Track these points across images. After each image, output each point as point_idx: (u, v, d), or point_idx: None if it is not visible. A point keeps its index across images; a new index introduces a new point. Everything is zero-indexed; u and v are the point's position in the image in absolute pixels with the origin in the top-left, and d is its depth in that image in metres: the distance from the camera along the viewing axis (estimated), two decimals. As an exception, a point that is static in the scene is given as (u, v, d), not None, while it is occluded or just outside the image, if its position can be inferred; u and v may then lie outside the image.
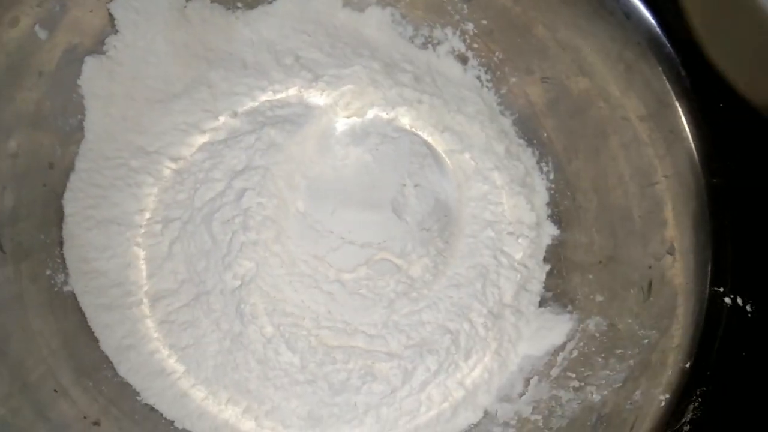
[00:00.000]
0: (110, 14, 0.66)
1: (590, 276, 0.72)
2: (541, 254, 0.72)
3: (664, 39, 0.62)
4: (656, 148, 0.67)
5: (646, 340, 0.64)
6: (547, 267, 0.73)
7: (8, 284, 0.60)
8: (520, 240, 0.71)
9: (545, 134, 0.72)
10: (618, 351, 0.66)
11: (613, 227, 0.70)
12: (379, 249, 0.67)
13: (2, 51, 0.60)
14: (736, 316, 0.60)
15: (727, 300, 0.60)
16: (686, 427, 0.57)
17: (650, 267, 0.67)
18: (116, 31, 0.66)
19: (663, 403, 0.60)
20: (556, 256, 0.73)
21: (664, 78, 0.63)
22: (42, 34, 0.62)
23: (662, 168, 0.66)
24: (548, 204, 0.73)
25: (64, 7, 0.63)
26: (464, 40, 0.71)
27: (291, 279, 0.65)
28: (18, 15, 0.61)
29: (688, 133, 0.64)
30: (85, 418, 0.61)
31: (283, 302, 0.66)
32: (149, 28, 0.66)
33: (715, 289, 0.61)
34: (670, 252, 0.65)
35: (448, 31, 0.71)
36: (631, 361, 0.64)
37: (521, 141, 0.73)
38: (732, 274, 0.61)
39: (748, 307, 0.59)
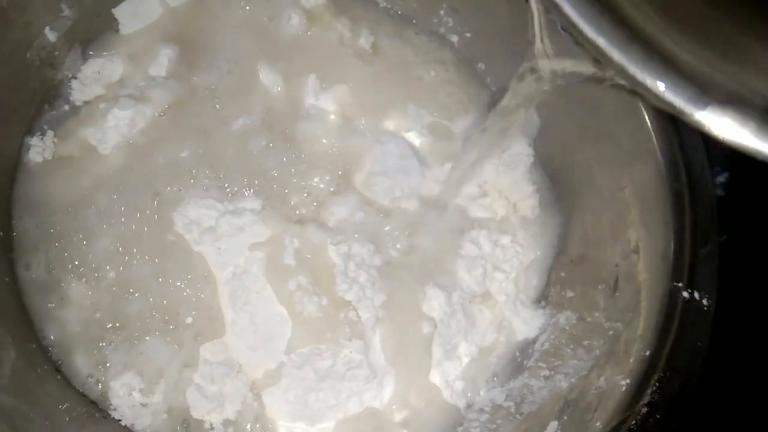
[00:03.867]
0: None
1: (562, 274, 0.77)
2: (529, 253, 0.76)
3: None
4: (624, 156, 0.72)
5: (611, 332, 0.68)
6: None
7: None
8: (508, 238, 0.76)
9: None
10: (585, 342, 0.70)
11: (585, 229, 0.76)
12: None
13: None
14: (693, 309, 0.64)
15: (686, 294, 0.64)
16: (644, 409, 0.61)
17: (617, 265, 0.71)
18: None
19: (624, 388, 0.63)
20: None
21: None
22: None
23: (629, 174, 0.72)
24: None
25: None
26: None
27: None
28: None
29: (655, 144, 0.70)
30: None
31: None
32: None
33: (675, 284, 0.65)
34: (635, 251, 0.70)
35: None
36: (597, 351, 0.68)
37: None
38: (690, 271, 0.65)
39: (704, 301, 0.64)
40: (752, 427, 0.68)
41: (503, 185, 0.76)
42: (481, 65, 0.83)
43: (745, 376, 0.68)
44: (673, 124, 0.69)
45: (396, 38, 0.81)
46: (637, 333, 0.66)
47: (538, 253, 0.75)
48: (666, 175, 0.69)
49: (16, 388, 0.55)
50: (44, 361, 0.62)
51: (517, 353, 0.74)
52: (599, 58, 0.37)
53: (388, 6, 0.82)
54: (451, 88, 0.79)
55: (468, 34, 0.82)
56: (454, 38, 0.82)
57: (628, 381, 0.64)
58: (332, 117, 0.76)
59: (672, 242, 0.67)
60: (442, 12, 0.81)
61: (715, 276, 0.65)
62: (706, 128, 0.36)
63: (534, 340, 0.74)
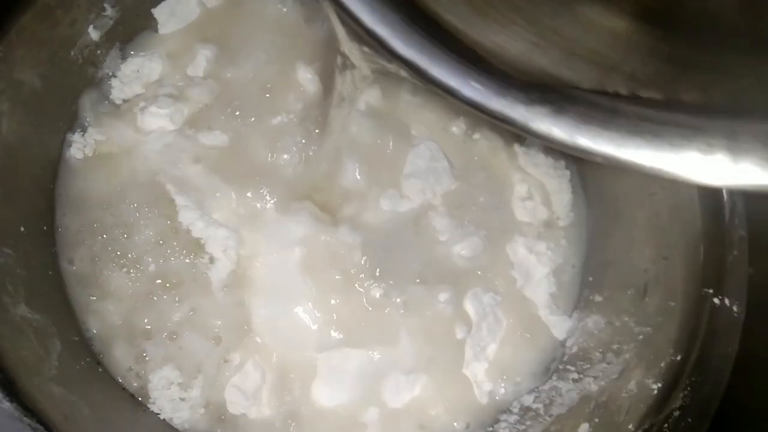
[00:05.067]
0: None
1: (591, 278, 0.78)
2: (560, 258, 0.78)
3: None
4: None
5: (641, 336, 0.69)
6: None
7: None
8: (543, 244, 0.77)
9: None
10: (614, 346, 0.71)
11: (614, 234, 0.77)
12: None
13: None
14: (723, 315, 0.65)
15: (716, 300, 0.65)
16: (676, 413, 0.62)
17: (646, 270, 0.72)
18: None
19: (655, 392, 0.64)
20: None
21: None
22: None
23: (659, 180, 0.73)
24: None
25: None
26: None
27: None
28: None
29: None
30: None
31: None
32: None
33: (705, 290, 0.66)
34: (665, 257, 0.71)
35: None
36: (627, 355, 0.69)
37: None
38: (720, 278, 0.66)
39: (734, 308, 0.65)
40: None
41: (548, 188, 0.77)
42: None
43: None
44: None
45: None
46: (667, 338, 0.67)
47: (569, 258, 0.76)
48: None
49: (64, 378, 0.56)
50: (86, 354, 0.63)
51: (546, 356, 0.75)
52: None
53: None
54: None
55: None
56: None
57: (659, 384, 0.65)
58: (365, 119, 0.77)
59: (702, 248, 0.68)
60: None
61: (745, 282, 0.66)
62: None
63: (563, 344, 0.75)
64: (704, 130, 0.32)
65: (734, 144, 0.32)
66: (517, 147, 0.81)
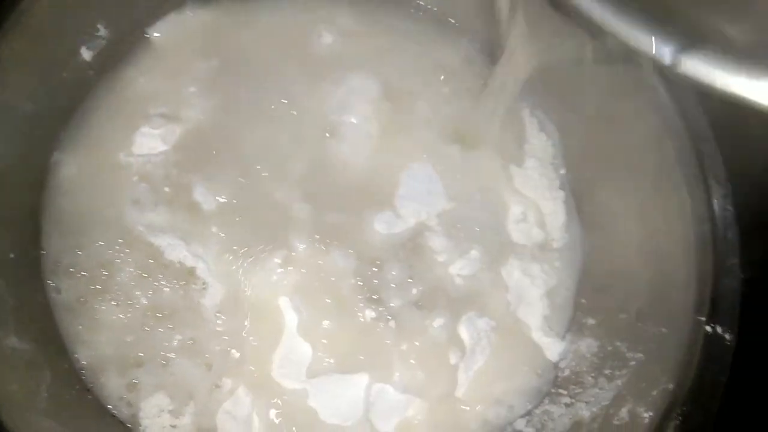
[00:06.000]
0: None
1: (584, 301, 0.78)
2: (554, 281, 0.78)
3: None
4: (648, 188, 0.73)
5: (633, 362, 0.69)
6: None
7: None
8: (537, 267, 0.77)
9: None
10: (607, 371, 0.71)
11: (608, 258, 0.77)
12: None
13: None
14: (715, 343, 0.65)
15: (708, 329, 0.65)
16: (667, 442, 0.62)
17: (639, 295, 0.72)
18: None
19: (647, 420, 0.64)
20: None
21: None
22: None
23: (653, 206, 0.73)
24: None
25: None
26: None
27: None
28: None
29: (679, 176, 0.71)
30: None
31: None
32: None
33: (698, 318, 0.66)
34: (658, 283, 0.71)
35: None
36: (619, 381, 0.69)
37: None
38: (712, 306, 0.66)
39: (726, 336, 0.65)
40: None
41: (543, 209, 0.77)
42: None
43: (766, 411, 0.69)
44: (696, 158, 0.71)
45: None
46: (659, 365, 0.67)
47: (563, 280, 0.76)
48: (690, 209, 0.70)
49: (54, 410, 0.55)
50: (76, 382, 0.63)
51: (539, 379, 0.75)
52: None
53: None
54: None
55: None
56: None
57: (650, 414, 0.65)
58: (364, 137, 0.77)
59: (694, 275, 0.68)
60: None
61: (737, 311, 0.66)
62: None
63: (555, 366, 0.75)
64: None
65: None
66: (513, 168, 0.81)
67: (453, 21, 0.84)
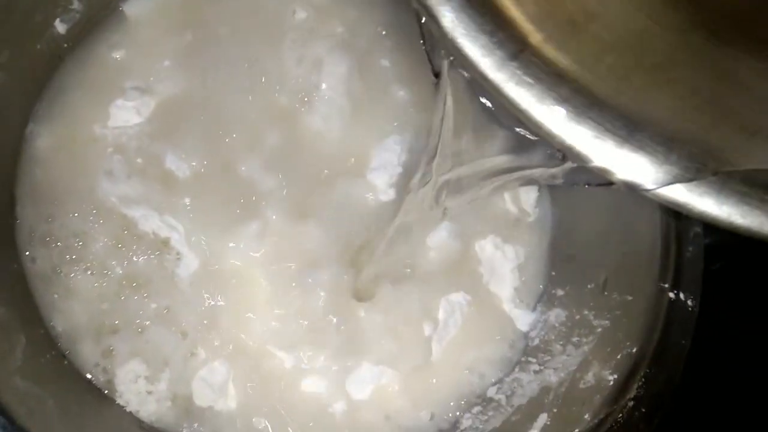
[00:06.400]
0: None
1: (553, 273, 0.80)
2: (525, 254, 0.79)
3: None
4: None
5: (599, 329, 0.71)
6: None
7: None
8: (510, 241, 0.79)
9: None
10: (575, 339, 0.73)
11: (576, 230, 0.79)
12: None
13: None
14: (678, 309, 0.67)
15: (671, 295, 0.67)
16: (630, 403, 0.64)
17: (606, 265, 0.74)
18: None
19: (611, 383, 0.66)
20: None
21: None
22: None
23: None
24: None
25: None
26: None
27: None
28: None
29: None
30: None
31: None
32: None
33: (662, 285, 0.68)
34: (624, 253, 0.73)
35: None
36: (586, 348, 0.71)
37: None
38: (676, 273, 0.68)
39: (689, 302, 0.67)
40: (732, 422, 0.72)
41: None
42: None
43: (726, 374, 0.71)
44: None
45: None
46: (624, 331, 0.69)
47: (534, 253, 0.78)
48: (656, 180, 0.72)
49: (29, 372, 0.56)
50: (52, 348, 0.64)
51: (509, 350, 0.76)
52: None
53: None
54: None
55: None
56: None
57: (615, 376, 0.66)
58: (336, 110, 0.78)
59: (659, 244, 0.70)
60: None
61: (700, 277, 0.68)
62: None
63: (525, 336, 0.77)
64: None
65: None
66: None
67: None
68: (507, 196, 0.81)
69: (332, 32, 0.81)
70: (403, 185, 0.77)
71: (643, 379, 0.65)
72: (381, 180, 0.77)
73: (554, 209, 0.82)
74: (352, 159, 0.78)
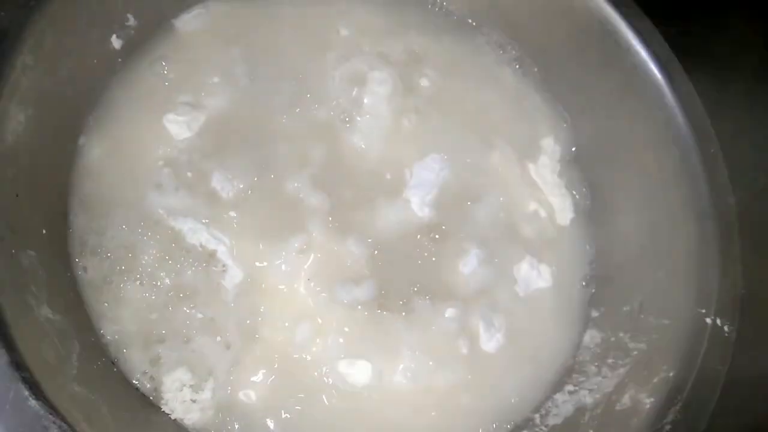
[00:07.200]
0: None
1: (588, 294, 0.80)
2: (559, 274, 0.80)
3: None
4: (653, 184, 0.76)
5: (635, 352, 0.72)
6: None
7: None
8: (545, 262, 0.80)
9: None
10: (610, 360, 0.74)
11: (612, 251, 0.79)
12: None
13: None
14: (715, 334, 0.68)
15: (708, 320, 0.68)
16: (667, 427, 0.64)
17: (642, 289, 0.75)
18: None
19: (648, 406, 0.66)
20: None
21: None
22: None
23: (658, 202, 0.76)
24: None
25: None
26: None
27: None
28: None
29: (682, 174, 0.74)
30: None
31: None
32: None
33: (698, 310, 0.69)
34: (661, 276, 0.74)
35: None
36: (622, 370, 0.72)
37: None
38: (714, 299, 0.69)
39: (725, 328, 0.68)
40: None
41: (554, 206, 0.80)
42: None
43: (763, 399, 0.71)
44: (700, 157, 0.74)
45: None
46: (660, 354, 0.70)
47: (570, 275, 0.79)
48: (693, 205, 0.73)
49: (83, 378, 0.58)
50: (102, 355, 0.65)
51: (544, 371, 0.77)
52: None
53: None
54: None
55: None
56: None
57: (652, 399, 0.67)
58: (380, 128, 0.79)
59: (696, 269, 0.71)
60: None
61: (737, 303, 0.69)
62: None
63: (560, 357, 0.77)
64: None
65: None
66: (526, 164, 0.83)
67: (470, 21, 0.87)
68: (543, 215, 0.82)
69: (375, 51, 0.83)
70: (440, 204, 0.79)
71: (680, 404, 0.66)
72: (418, 197, 0.79)
73: (591, 230, 0.83)
74: (391, 176, 0.79)
